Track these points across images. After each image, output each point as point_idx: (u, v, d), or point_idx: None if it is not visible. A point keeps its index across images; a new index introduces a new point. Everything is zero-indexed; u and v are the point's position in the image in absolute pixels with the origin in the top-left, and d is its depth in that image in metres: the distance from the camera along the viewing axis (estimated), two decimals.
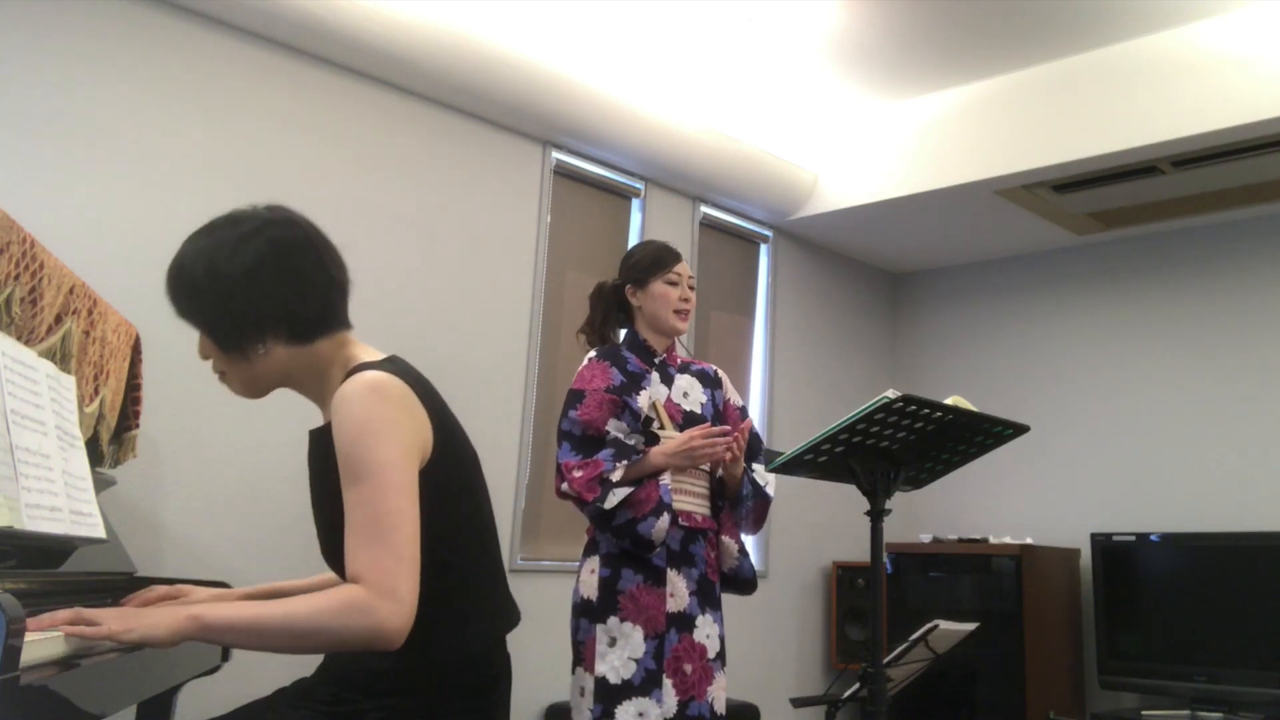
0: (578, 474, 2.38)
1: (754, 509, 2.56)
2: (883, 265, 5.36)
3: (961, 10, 3.58)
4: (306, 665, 1.55)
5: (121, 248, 2.85)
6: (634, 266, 2.64)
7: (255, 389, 1.52)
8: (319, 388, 1.52)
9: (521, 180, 3.86)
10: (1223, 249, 4.42)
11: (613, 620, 2.38)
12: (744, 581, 2.58)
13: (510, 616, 1.58)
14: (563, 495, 2.43)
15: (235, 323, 1.45)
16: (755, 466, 2.59)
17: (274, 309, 1.45)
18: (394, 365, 1.47)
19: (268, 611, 1.31)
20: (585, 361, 2.57)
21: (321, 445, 1.47)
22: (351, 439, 1.35)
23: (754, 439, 2.63)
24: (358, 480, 1.34)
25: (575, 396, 2.48)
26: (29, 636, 1.12)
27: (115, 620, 1.24)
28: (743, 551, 2.58)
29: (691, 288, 2.63)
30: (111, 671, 1.40)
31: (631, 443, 2.45)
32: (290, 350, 1.48)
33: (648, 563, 2.40)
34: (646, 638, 2.36)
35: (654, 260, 2.62)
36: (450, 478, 1.47)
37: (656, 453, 2.42)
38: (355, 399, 1.37)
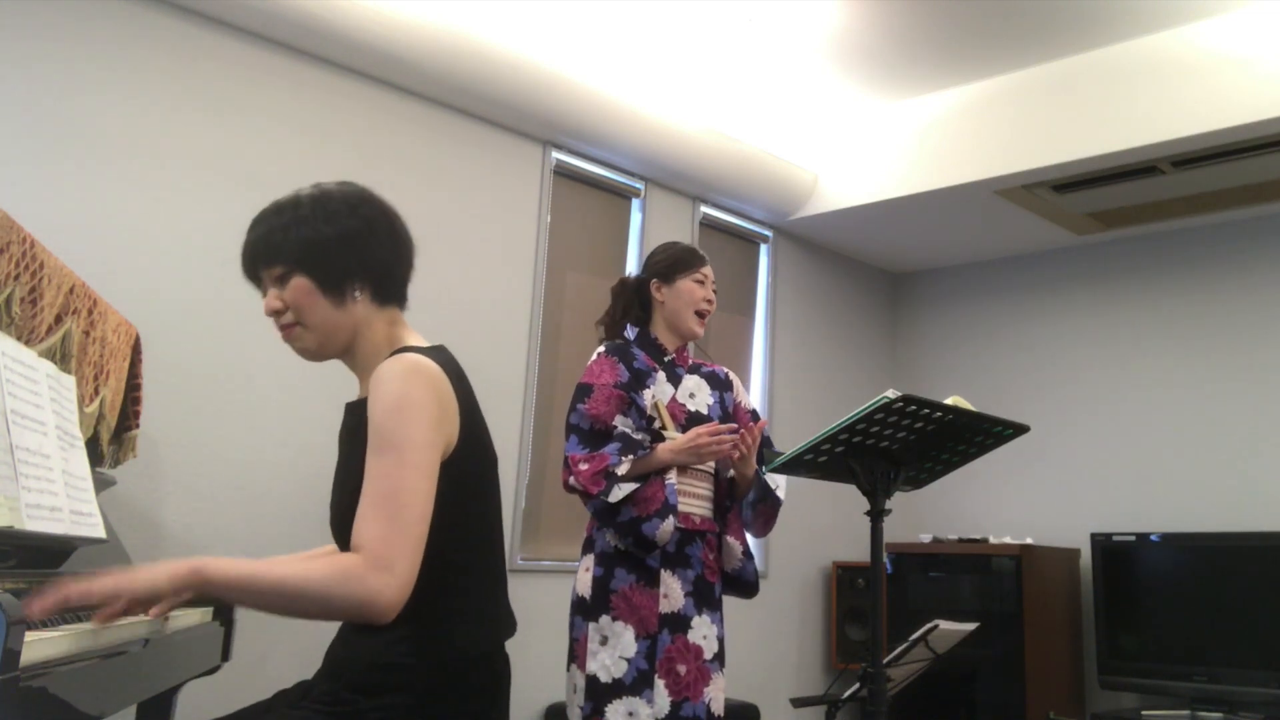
0: (584, 466, 2.39)
1: (763, 511, 2.55)
2: (883, 265, 5.36)
3: (961, 10, 3.58)
4: (309, 667, 1.56)
5: (121, 248, 2.85)
6: (662, 262, 2.65)
7: (327, 344, 1.55)
8: (366, 358, 1.57)
9: (521, 180, 3.86)
10: (1222, 249, 4.42)
11: (604, 619, 2.38)
12: (746, 584, 2.57)
13: (509, 625, 1.58)
14: (569, 489, 2.44)
15: (343, 260, 1.51)
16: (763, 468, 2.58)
17: (377, 257, 1.54)
18: (438, 354, 1.53)
19: (264, 570, 1.36)
20: (594, 356, 2.57)
21: (354, 417, 1.52)
22: (384, 412, 1.40)
23: (762, 440, 2.63)
24: (382, 451, 1.39)
25: (584, 390, 2.49)
26: (29, 636, 1.12)
27: (119, 584, 1.30)
28: (747, 554, 2.57)
29: (715, 292, 2.65)
30: (111, 671, 1.41)
31: (639, 438, 2.45)
32: (368, 309, 1.55)
33: (641, 563, 2.40)
34: (638, 637, 2.35)
35: (684, 257, 2.64)
36: (467, 476, 1.49)
37: (663, 449, 2.42)
38: (395, 375, 1.43)
